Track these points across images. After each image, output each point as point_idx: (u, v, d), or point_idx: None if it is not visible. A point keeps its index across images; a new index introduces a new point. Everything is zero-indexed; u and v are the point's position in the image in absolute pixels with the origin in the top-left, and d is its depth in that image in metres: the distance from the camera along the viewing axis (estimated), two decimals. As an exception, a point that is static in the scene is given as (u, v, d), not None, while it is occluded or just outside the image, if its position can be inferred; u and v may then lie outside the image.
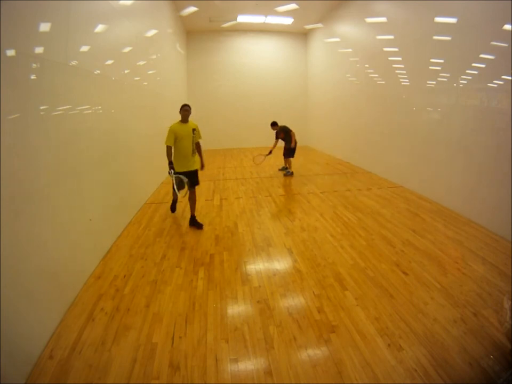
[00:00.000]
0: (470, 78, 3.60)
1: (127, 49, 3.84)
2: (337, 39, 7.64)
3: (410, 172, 4.86)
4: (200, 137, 3.56)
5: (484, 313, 1.95)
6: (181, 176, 3.29)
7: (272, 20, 8.38)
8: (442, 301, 2.09)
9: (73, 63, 2.40)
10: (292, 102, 10.26)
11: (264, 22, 8.60)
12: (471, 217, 3.54)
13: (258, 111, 9.71)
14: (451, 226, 3.38)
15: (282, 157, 6.19)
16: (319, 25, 8.56)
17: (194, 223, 3.52)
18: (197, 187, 3.54)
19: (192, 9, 7.08)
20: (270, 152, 6.15)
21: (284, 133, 6.01)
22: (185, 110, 3.31)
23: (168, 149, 3.31)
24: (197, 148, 3.54)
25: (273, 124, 6.13)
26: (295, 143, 5.94)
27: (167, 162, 3.29)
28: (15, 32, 1.70)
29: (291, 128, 6.02)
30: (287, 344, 1.75)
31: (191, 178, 3.41)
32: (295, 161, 6.27)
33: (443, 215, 3.72)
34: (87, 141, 2.63)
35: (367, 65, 6.18)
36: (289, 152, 6.07)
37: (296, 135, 5.97)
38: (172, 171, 3.26)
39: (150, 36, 5.01)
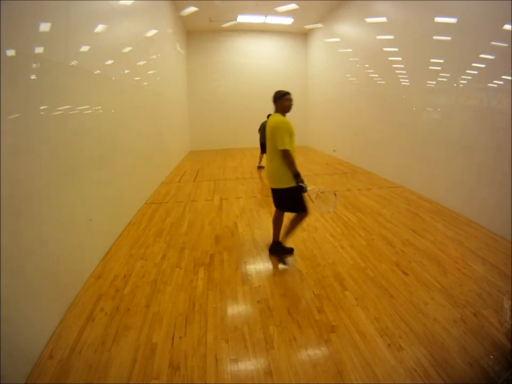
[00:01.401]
0: (470, 78, 3.60)
1: (127, 49, 3.84)
2: (337, 39, 7.64)
3: (410, 171, 4.86)
4: None
5: (484, 313, 1.95)
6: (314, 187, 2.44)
7: (272, 19, 8.38)
8: (442, 301, 2.09)
9: (73, 63, 2.40)
10: (291, 102, 10.25)
11: (264, 22, 8.59)
12: (471, 217, 3.54)
13: (258, 111, 9.66)
14: (451, 226, 3.38)
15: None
16: (319, 25, 8.56)
17: (280, 250, 2.72)
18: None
19: (192, 9, 7.09)
20: None
21: None
22: (290, 100, 2.45)
23: (290, 154, 2.34)
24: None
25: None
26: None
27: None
28: (15, 32, 1.70)
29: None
30: (287, 344, 1.75)
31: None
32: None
33: (443, 215, 3.72)
34: (87, 141, 2.63)
35: (367, 65, 6.18)
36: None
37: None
38: (305, 185, 2.37)
39: (150, 35, 5.01)
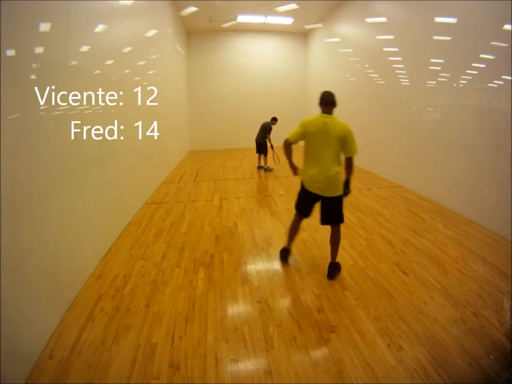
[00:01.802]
0: (470, 78, 3.60)
1: (127, 49, 3.83)
2: (337, 39, 7.63)
3: (410, 171, 4.86)
4: None
5: (484, 313, 1.95)
6: None
7: (272, 19, 8.36)
8: (442, 301, 2.09)
9: (73, 63, 2.40)
10: (292, 102, 10.24)
11: (264, 22, 8.58)
12: (471, 217, 3.54)
13: (258, 111, 9.69)
14: (451, 226, 3.38)
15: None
16: (319, 25, 8.56)
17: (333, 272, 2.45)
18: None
19: (192, 9, 7.08)
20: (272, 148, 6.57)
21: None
22: None
23: None
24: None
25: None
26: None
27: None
28: (15, 32, 1.69)
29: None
30: (287, 344, 1.75)
31: None
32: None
33: (443, 215, 3.72)
34: (87, 141, 2.62)
35: (367, 65, 6.17)
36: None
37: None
38: None
39: (150, 35, 5.01)
